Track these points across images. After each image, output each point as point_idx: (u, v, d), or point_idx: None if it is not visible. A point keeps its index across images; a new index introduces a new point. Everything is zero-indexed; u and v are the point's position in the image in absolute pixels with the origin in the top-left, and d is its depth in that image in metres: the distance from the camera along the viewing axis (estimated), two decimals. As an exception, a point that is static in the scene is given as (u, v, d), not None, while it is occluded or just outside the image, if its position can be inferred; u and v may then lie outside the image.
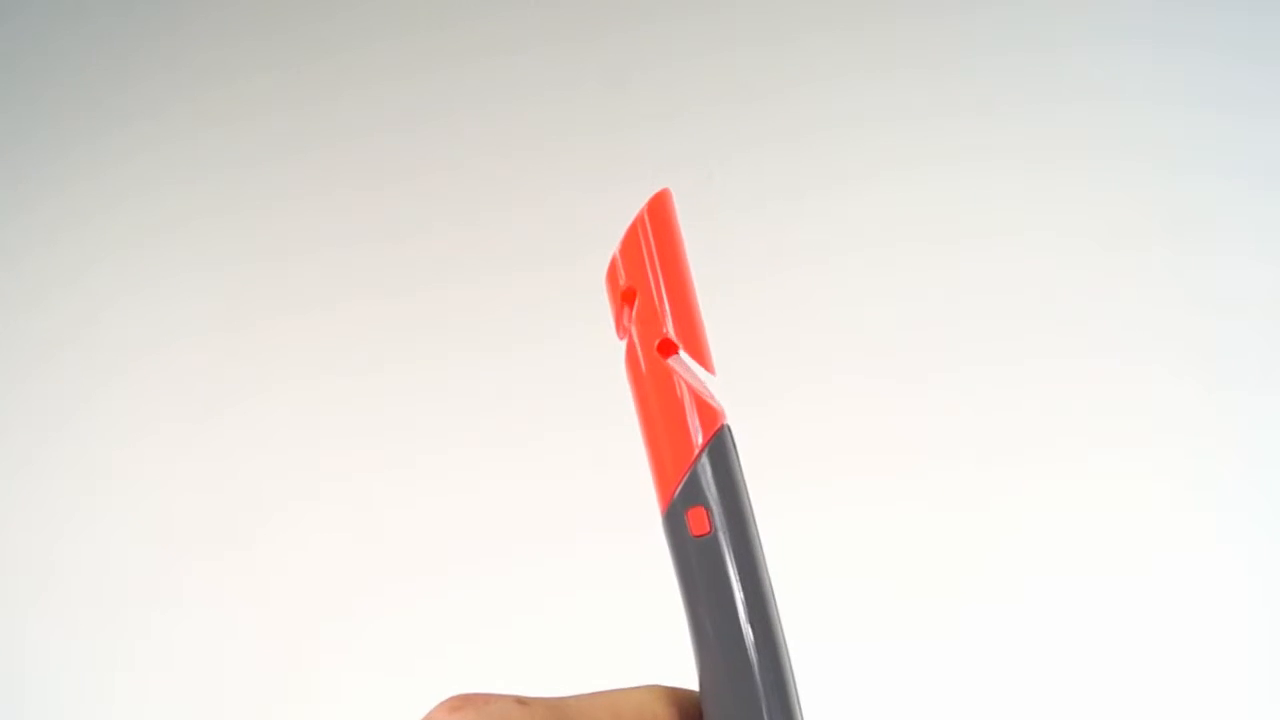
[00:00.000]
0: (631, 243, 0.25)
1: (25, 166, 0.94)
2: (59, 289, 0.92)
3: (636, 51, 0.88)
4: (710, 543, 0.23)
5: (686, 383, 0.24)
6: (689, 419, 0.24)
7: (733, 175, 0.84)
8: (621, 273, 0.25)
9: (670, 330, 0.24)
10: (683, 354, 0.25)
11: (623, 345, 0.25)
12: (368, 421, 0.85)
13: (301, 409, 0.86)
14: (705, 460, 0.24)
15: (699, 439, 0.24)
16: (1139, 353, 0.77)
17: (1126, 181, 0.80)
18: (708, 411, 0.24)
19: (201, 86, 0.93)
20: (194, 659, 0.83)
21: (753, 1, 0.87)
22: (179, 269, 0.90)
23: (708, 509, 0.24)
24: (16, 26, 0.96)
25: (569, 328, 0.82)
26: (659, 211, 0.25)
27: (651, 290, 0.24)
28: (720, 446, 0.24)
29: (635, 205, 0.26)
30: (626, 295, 0.25)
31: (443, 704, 0.22)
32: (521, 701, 0.22)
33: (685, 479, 0.24)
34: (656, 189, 0.25)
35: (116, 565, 0.86)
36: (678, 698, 0.24)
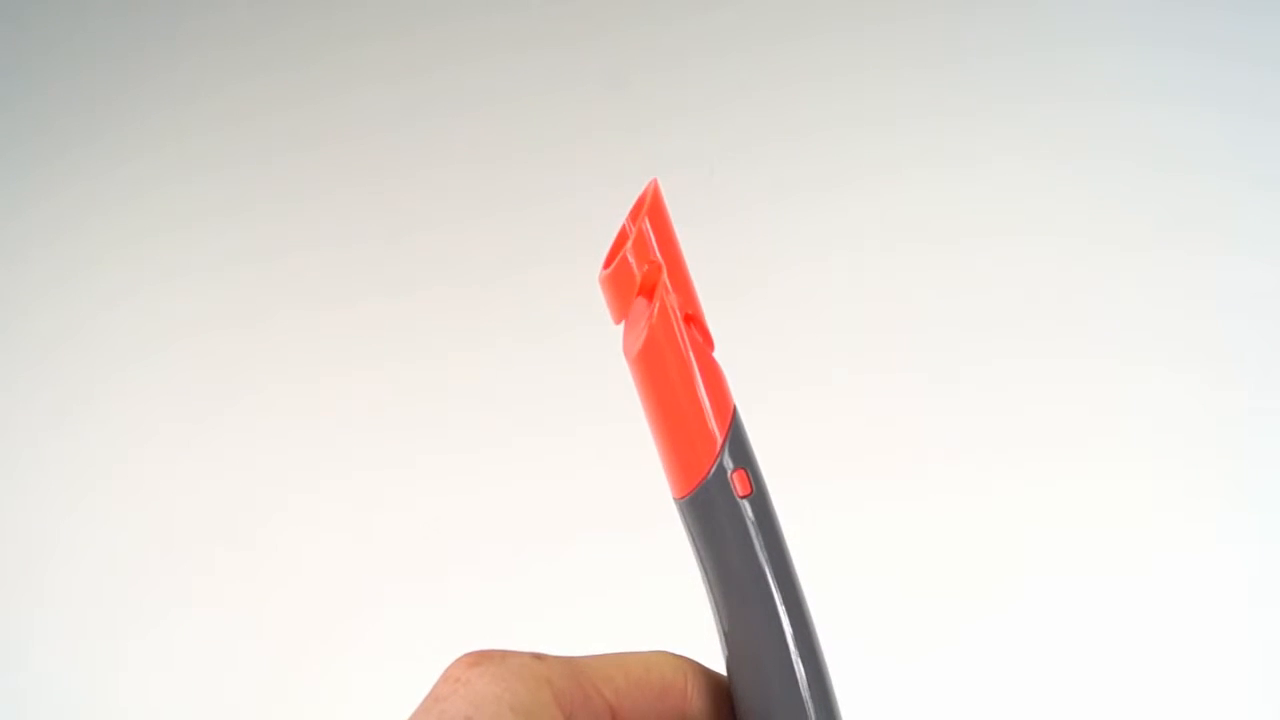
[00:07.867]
0: (654, 220, 0.25)
1: (25, 166, 0.94)
2: (59, 289, 0.92)
3: (636, 51, 0.88)
4: (757, 500, 0.24)
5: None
6: (724, 384, 0.25)
7: (733, 174, 0.84)
8: (655, 247, 0.25)
9: (693, 304, 0.25)
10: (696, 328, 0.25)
11: (642, 327, 0.25)
12: (368, 421, 0.85)
13: (302, 409, 0.86)
14: (740, 421, 0.25)
15: (733, 401, 0.25)
16: (1139, 353, 0.77)
17: (1126, 181, 0.80)
18: (724, 381, 0.25)
19: (201, 86, 0.93)
20: (194, 659, 0.83)
21: (752, 1, 0.87)
22: (179, 269, 0.90)
23: (748, 469, 0.25)
24: (16, 26, 0.96)
25: (570, 328, 0.82)
26: (659, 196, 0.26)
27: (678, 265, 0.25)
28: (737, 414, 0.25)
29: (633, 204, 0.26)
30: (651, 272, 0.25)
31: (460, 659, 0.23)
32: (538, 657, 0.23)
33: (728, 440, 0.24)
34: (647, 180, 0.26)
35: (116, 565, 0.86)
36: (685, 664, 0.25)
